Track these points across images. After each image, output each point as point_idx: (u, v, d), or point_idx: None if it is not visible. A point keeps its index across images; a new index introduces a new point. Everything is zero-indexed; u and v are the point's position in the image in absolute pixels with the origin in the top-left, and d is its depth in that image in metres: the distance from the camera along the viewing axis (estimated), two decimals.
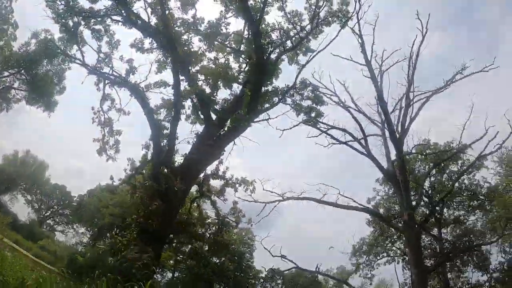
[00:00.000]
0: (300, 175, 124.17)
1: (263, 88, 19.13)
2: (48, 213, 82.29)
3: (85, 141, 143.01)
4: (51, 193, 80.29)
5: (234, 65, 21.43)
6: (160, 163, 16.29)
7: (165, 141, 18.04)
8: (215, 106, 19.90)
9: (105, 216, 60.66)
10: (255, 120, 19.36)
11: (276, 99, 20.59)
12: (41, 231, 70.51)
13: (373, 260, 39.89)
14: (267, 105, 20.48)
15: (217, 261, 56.33)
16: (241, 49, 20.42)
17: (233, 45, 20.77)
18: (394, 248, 40.02)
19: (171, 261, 63.34)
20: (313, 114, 21.98)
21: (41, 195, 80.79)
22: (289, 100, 20.95)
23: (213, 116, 19.25)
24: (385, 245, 39.75)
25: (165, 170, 16.28)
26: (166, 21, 17.69)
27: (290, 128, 23.21)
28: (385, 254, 40.03)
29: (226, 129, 18.85)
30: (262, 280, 65.14)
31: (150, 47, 20.79)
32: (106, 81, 20.30)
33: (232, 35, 20.01)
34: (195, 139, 18.84)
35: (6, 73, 36.01)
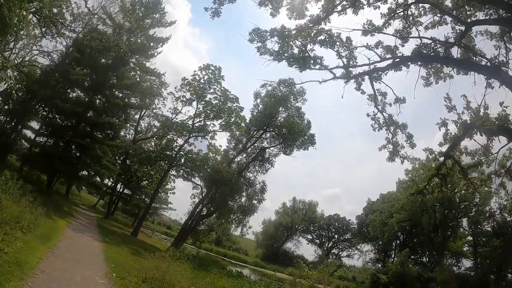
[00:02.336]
0: None
1: None
2: (330, 244, 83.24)
3: (322, 170, 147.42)
4: (328, 225, 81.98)
5: None
6: None
7: None
8: None
9: (393, 225, 56.35)
10: None
11: None
12: (330, 262, 70.74)
13: None
14: None
15: None
16: None
17: None
18: None
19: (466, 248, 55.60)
20: None
21: (319, 230, 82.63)
22: None
23: None
24: None
25: None
26: None
27: None
28: None
29: None
30: None
31: (385, 21, 16.00)
32: (373, 75, 16.14)
33: None
34: None
35: (253, 139, 36.29)
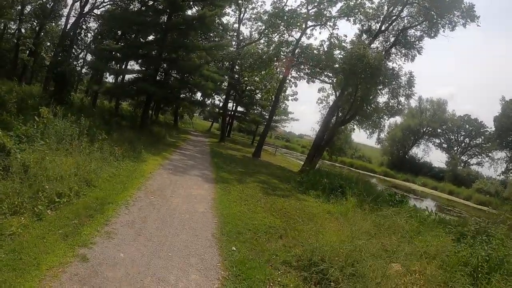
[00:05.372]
0: None
1: None
2: (459, 149, 68.29)
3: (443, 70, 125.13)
4: (458, 127, 67.03)
5: None
6: None
7: None
8: None
9: None
10: None
11: None
12: (465, 171, 57.98)
13: None
14: None
15: None
16: None
17: None
18: None
19: None
20: None
21: (447, 134, 68.63)
22: None
23: None
24: None
25: None
26: None
27: None
28: None
29: None
30: None
31: None
32: None
33: None
34: None
35: (388, 19, 25.46)
